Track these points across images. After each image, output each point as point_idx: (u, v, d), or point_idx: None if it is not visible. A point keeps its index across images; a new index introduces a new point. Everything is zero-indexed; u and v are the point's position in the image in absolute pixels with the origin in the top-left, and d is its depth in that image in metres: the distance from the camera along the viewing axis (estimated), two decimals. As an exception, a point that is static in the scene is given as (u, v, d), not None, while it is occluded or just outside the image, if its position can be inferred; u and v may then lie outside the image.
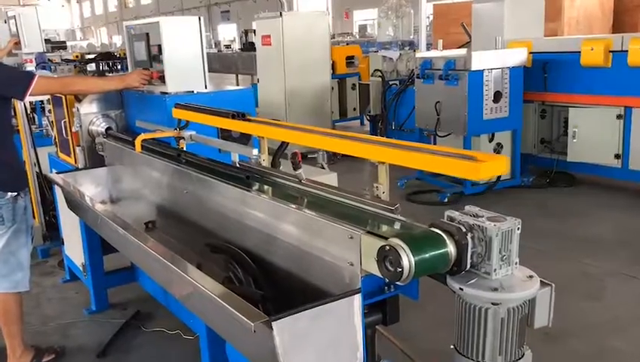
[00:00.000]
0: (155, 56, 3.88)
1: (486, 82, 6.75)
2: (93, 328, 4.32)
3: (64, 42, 19.09)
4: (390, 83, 9.33)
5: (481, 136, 7.01)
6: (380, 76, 9.41)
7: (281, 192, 2.38)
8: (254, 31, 19.73)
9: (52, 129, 5.33)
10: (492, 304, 1.78)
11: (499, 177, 6.79)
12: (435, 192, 7.17)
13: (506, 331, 1.80)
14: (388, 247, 1.69)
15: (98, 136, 4.15)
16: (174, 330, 4.01)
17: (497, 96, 6.84)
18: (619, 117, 6.75)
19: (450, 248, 1.76)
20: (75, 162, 4.36)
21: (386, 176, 2.04)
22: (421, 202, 7.01)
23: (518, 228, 1.83)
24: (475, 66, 6.62)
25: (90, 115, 4.23)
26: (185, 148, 3.49)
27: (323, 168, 4.72)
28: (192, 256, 2.89)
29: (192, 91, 3.88)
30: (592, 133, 6.95)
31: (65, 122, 4.42)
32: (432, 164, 1.84)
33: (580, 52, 6.91)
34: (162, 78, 3.84)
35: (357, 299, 1.82)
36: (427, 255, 1.70)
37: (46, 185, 5.68)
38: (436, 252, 1.73)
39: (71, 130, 4.32)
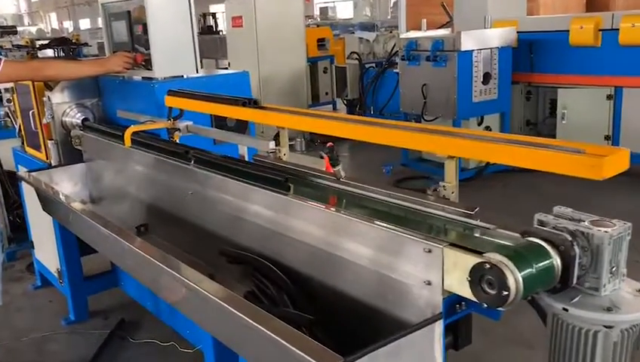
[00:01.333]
0: (138, 37, 3.44)
1: (475, 63, 6.50)
2: (73, 341, 3.90)
3: (14, 27, 18.08)
4: (367, 66, 9.02)
5: (470, 120, 6.77)
6: (356, 59, 9.09)
7: (322, 194, 2.02)
8: (213, 14, 19.29)
9: (15, 120, 4.81)
10: (604, 326, 1.48)
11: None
12: (425, 179, 6.89)
13: (618, 357, 1.50)
14: (488, 265, 1.36)
15: (74, 129, 3.70)
16: (167, 341, 3.63)
17: (487, 77, 6.60)
18: (609, 97, 6.60)
19: (556, 261, 1.44)
20: (47, 158, 3.89)
21: (456, 173, 1.71)
22: (409, 189, 6.72)
23: (629, 234, 1.53)
24: (464, 46, 6.35)
25: (64, 105, 3.77)
26: (179, 141, 3.10)
27: (322, 158, 4.37)
28: (199, 264, 2.53)
29: (182, 76, 3.46)
30: (582, 115, 6.79)
31: (33, 113, 3.94)
32: (533, 160, 1.51)
33: (568, 31, 6.70)
34: (148, 62, 3.41)
35: (438, 327, 1.50)
36: (535, 272, 1.38)
37: (8, 181, 5.16)
38: (542, 267, 1.41)
39: (41, 122, 3.85)
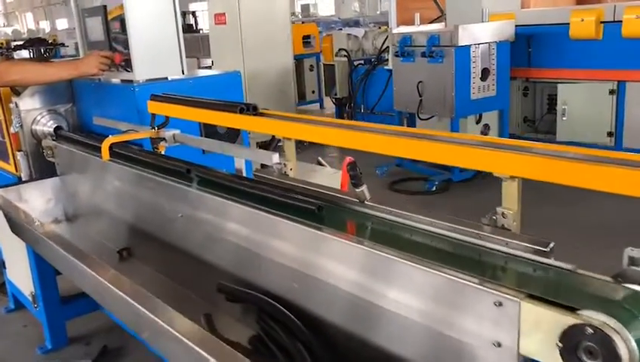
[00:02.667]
0: (115, 36, 3.06)
1: (473, 58, 6.19)
2: (50, 373, 3.51)
3: (-12, 28, 17.46)
4: (356, 63, 8.69)
5: (468, 118, 6.46)
6: (345, 56, 8.75)
7: (351, 223, 1.67)
8: (192, 12, 18.85)
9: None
10: None
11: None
12: (421, 180, 6.58)
13: None
14: (590, 329, 1.03)
15: (45, 139, 3.31)
16: (154, 370, 3.26)
17: (485, 73, 6.30)
18: (611, 92, 6.34)
19: (669, 317, 1.11)
20: (17, 170, 3.49)
21: (518, 196, 1.37)
22: (407, 192, 6.42)
23: None
24: (462, 41, 6.03)
25: (34, 112, 3.37)
26: (164, 152, 2.73)
27: (321, 165, 4.03)
28: (192, 300, 2.18)
29: (166, 78, 3.09)
30: (583, 110, 6.53)
31: (-1, 121, 3.54)
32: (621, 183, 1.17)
33: (567, 24, 6.42)
34: (127, 63, 3.03)
35: (512, 400, 1.15)
36: (648, 335, 1.04)
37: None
38: (655, 327, 1.07)
39: (8, 132, 3.44)
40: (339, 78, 8.73)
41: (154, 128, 2.65)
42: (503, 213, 1.39)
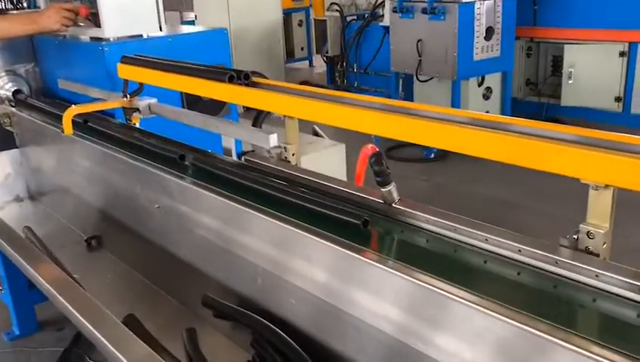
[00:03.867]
0: (81, -16, 2.61)
1: (477, 16, 5.75)
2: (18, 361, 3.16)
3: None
4: (349, 19, 8.19)
5: (469, 80, 6.05)
6: (337, 10, 8.24)
7: (387, 239, 1.29)
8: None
9: None
10: None
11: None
12: (419, 147, 6.20)
13: None
14: None
15: (2, 104, 2.87)
16: None
17: (489, 32, 5.87)
18: (622, 54, 5.96)
19: None
20: (-30, 140, 3.07)
21: (611, 212, 1.00)
22: (404, 159, 6.05)
23: None
24: (466, -3, 5.58)
25: (-12, 73, 2.93)
26: (139, 125, 2.33)
27: (318, 135, 3.63)
28: (171, 304, 1.82)
29: (141, 35, 2.65)
30: (591, 74, 6.15)
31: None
32: None
33: (578, -21, 5.99)
34: (94, 17, 2.59)
35: None
36: None
37: None
38: None
39: (-40, 95, 3.00)
40: (330, 34, 8.24)
41: (126, 96, 2.23)
42: (588, 233, 1.03)
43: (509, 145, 1.11)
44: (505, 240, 1.12)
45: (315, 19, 8.41)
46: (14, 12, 3.21)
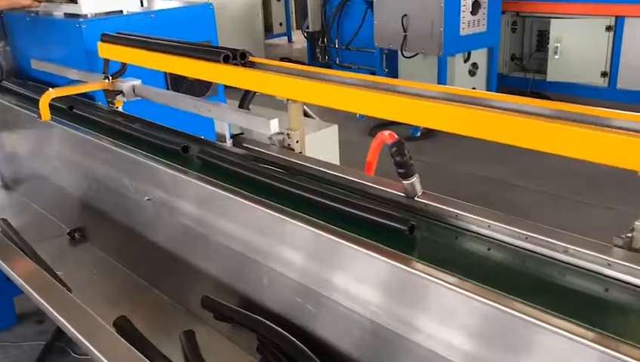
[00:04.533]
0: (54, -45, 2.41)
1: (464, -11, 5.60)
2: (-3, 356, 3.02)
3: None
4: (329, -7, 7.99)
5: (455, 56, 5.93)
6: (318, -16, 8.01)
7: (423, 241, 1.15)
8: None
9: None
10: None
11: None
12: (404, 125, 6.09)
13: None
14: None
15: (-28, 86, 2.68)
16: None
17: (475, 6, 5.74)
18: (608, 28, 5.90)
19: None
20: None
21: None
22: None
23: None
24: (452, -30, 5.43)
25: (-45, 52, 2.72)
26: (121, 108, 2.16)
27: (309, 116, 3.49)
28: (164, 302, 1.70)
29: (121, 11, 2.47)
30: (577, 48, 6.09)
31: None
32: None
33: (564, -49, 5.88)
34: (70, -8, 2.41)
35: None
36: None
37: None
38: None
39: None
40: (311, 9, 8.02)
41: (107, 78, 2.07)
42: (643, 231, 0.92)
43: (498, 123, 1.01)
44: (549, 239, 1.00)
45: (295, -6, 8.17)
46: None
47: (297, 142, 1.49)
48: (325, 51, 8.02)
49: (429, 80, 5.96)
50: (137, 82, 2.06)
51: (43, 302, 1.45)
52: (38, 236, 2.20)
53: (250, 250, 1.38)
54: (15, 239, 2.09)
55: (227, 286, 1.47)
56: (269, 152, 1.56)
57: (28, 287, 1.54)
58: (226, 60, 1.60)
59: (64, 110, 2.06)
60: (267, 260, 1.34)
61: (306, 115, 3.58)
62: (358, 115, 6.30)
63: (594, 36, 5.95)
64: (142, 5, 2.48)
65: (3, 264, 1.68)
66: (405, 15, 5.82)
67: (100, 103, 2.29)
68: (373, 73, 6.39)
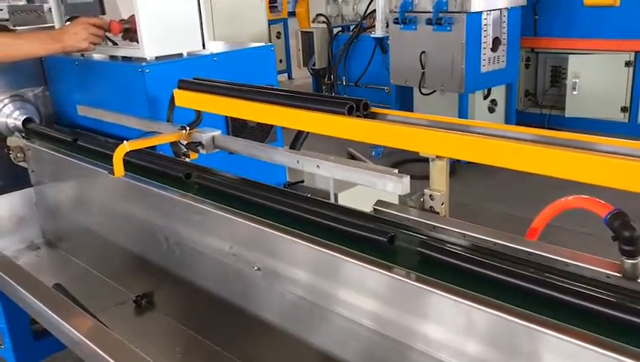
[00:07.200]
0: (110, -4, 2.23)
1: (484, 27, 5.55)
2: None
3: None
4: (335, 31, 7.93)
5: (475, 93, 5.85)
6: (324, 22, 7.95)
7: None
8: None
9: None
10: None
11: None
12: (424, 162, 5.92)
13: None
14: None
15: (11, 135, 2.45)
16: None
17: (496, 43, 5.69)
18: (627, 64, 5.90)
19: None
20: (-29, 177, 2.62)
21: None
22: (414, 176, 5.73)
23: None
24: (474, 7, 5.37)
25: (-8, 99, 2.51)
26: (193, 161, 1.96)
27: (355, 158, 3.31)
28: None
29: (181, 54, 2.28)
30: (596, 84, 6.05)
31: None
32: None
33: (581, -12, 5.86)
34: (129, 33, 2.21)
35: None
36: None
37: None
38: None
39: (-43, 125, 2.56)
40: (318, 46, 7.94)
41: (184, 128, 1.86)
42: None
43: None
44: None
45: (301, 32, 8.09)
46: (22, 28, 2.79)
47: (442, 204, 1.30)
48: (332, 88, 7.92)
49: (448, 116, 5.85)
50: (217, 132, 1.85)
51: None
52: (97, 303, 1.97)
53: (390, 328, 1.18)
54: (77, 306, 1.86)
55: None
56: (404, 215, 1.36)
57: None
58: (350, 111, 1.41)
59: (131, 163, 1.85)
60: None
61: (353, 157, 3.40)
62: (373, 152, 6.14)
63: (613, 71, 5.93)
64: (204, 47, 2.30)
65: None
66: (424, 52, 5.74)
67: (160, 153, 2.08)
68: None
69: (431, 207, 1.33)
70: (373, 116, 1.47)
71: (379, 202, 1.40)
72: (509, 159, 1.15)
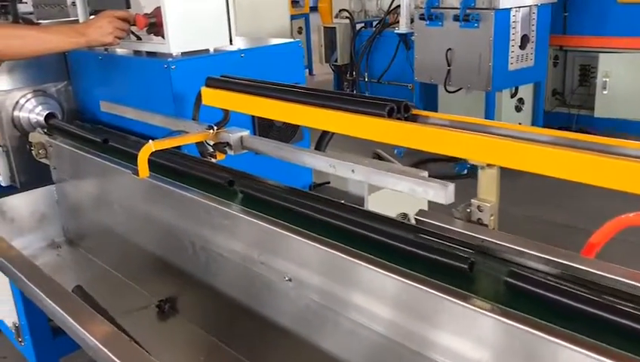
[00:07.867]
0: (136, -12, 2.15)
1: (513, 24, 5.42)
2: None
3: None
4: (358, 27, 7.83)
5: (503, 92, 5.71)
6: (347, 17, 7.85)
7: None
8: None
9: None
10: None
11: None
12: (446, 161, 5.81)
13: None
14: None
15: (34, 131, 2.40)
16: None
17: (524, 41, 5.55)
18: (662, 63, 5.67)
19: None
20: (-8, 173, 2.58)
21: None
22: (435, 176, 5.64)
23: None
24: (503, 4, 5.24)
25: (15, 93, 2.45)
26: (219, 162, 1.88)
27: (382, 159, 3.20)
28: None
29: (208, 50, 2.21)
30: (628, 84, 5.86)
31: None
32: None
33: (615, -15, 5.70)
34: (154, 28, 2.14)
35: None
36: None
37: None
38: None
39: (-21, 120, 2.51)
40: (340, 42, 7.84)
41: (212, 128, 1.79)
42: None
43: None
44: None
45: (323, 27, 7.98)
46: (46, 22, 2.74)
47: (491, 216, 1.20)
48: (354, 84, 7.82)
49: (474, 115, 5.70)
50: (246, 133, 1.77)
51: None
52: (119, 307, 1.90)
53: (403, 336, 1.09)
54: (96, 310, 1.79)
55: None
56: (448, 226, 1.27)
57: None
58: (390, 113, 1.32)
59: (155, 163, 1.78)
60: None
61: (380, 157, 3.30)
62: (395, 151, 6.03)
63: (646, 71, 5.75)
64: (231, 43, 2.22)
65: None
66: (450, 49, 5.62)
67: (185, 152, 2.01)
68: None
69: (479, 219, 1.23)
70: (414, 119, 1.38)
71: (420, 212, 1.30)
72: (569, 170, 1.05)
